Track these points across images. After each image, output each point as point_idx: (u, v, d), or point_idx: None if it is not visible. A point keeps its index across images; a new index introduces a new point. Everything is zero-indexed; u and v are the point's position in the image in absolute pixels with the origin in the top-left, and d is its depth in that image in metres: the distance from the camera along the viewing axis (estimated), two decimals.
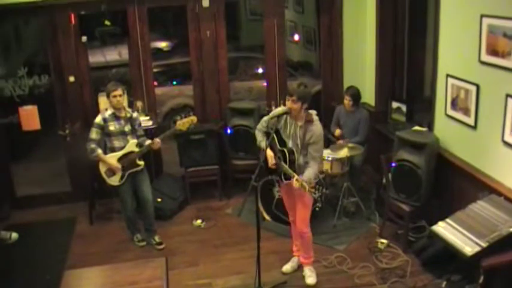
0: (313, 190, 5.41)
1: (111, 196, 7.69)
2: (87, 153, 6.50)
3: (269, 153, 5.51)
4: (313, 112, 5.60)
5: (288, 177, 5.46)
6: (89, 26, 7.71)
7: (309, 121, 5.49)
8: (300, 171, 5.46)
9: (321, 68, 9.03)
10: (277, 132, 5.59)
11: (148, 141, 6.52)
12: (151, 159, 7.49)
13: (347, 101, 7.37)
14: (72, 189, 8.23)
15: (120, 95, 6.37)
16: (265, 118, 5.74)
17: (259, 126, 5.79)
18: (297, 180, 5.24)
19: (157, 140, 6.47)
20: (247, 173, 6.12)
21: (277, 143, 5.57)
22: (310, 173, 5.40)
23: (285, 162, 5.48)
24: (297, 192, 5.60)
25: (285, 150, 5.51)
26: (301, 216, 5.78)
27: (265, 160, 5.52)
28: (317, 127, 5.50)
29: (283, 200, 6.10)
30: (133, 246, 6.93)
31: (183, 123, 6.52)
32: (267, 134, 5.59)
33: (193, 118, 6.60)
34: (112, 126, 6.41)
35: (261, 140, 5.67)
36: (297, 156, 5.51)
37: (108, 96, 6.38)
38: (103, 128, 6.41)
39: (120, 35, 7.87)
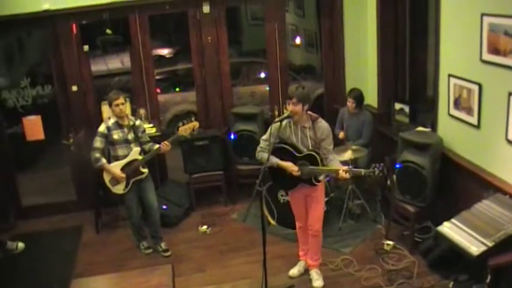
0: (364, 170, 5.35)
1: (117, 204, 7.69)
2: (91, 162, 6.51)
3: (286, 164, 5.50)
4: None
5: (316, 178, 5.53)
6: (91, 35, 7.73)
7: (314, 120, 5.51)
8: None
9: (323, 71, 9.02)
10: (285, 143, 5.59)
11: (156, 146, 6.53)
12: (155, 166, 7.50)
13: (350, 103, 7.38)
14: (78, 198, 8.25)
15: (122, 104, 6.38)
16: (264, 137, 5.68)
17: (260, 146, 5.68)
18: (345, 171, 5.27)
19: (166, 142, 6.46)
20: (251, 178, 6.12)
21: (293, 152, 5.54)
22: (337, 163, 5.46)
23: (316, 164, 5.48)
24: (315, 193, 5.68)
25: (312, 153, 5.48)
26: (316, 216, 5.81)
27: (271, 169, 5.54)
28: (323, 123, 5.54)
29: (292, 207, 6.07)
30: (139, 254, 6.94)
31: (185, 129, 6.52)
32: (277, 149, 5.54)
33: (195, 123, 6.60)
34: (116, 135, 6.42)
35: (263, 156, 5.56)
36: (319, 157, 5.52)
37: (110, 105, 6.39)
38: (107, 137, 6.42)
39: (121, 43, 7.91)
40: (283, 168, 5.54)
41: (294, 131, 5.57)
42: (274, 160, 5.52)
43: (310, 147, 5.51)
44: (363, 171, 5.28)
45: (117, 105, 6.35)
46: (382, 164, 5.15)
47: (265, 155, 5.51)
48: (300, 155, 5.52)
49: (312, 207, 5.79)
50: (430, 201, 6.21)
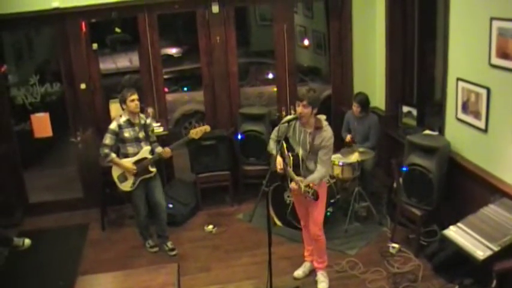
0: (311, 191, 5.37)
1: (123, 202, 7.73)
2: (100, 158, 6.55)
3: (278, 159, 5.52)
4: (323, 117, 5.60)
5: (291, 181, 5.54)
6: (100, 33, 7.77)
7: (318, 128, 5.49)
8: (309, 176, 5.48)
9: (331, 73, 9.03)
10: (286, 140, 5.61)
11: (159, 149, 6.56)
12: (162, 165, 7.51)
13: (355, 107, 7.37)
14: (84, 196, 8.28)
15: (137, 99, 6.42)
16: (277, 128, 5.75)
17: (272, 135, 5.79)
18: (295, 182, 5.31)
19: (167, 149, 6.51)
20: (258, 179, 6.13)
21: (285, 150, 5.58)
22: (314, 176, 5.43)
23: (290, 166, 5.51)
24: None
25: (290, 155, 5.55)
26: (314, 220, 5.77)
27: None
28: (327, 132, 5.49)
29: (295, 206, 6.11)
30: (145, 252, 6.96)
31: (196, 132, 6.57)
32: (279, 142, 5.60)
33: (207, 127, 6.65)
34: (127, 133, 6.44)
35: (273, 148, 5.67)
36: (306, 162, 5.52)
37: (124, 102, 6.38)
38: (117, 134, 6.43)
39: (130, 42, 7.91)
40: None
41: (298, 132, 5.59)
42: (274, 152, 5.56)
43: (308, 152, 5.53)
44: (302, 188, 5.25)
45: (133, 100, 6.37)
46: (314, 191, 5.19)
47: (271, 146, 5.68)
48: (287, 154, 5.58)
49: (311, 210, 5.78)
50: (436, 204, 6.20)
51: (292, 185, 5.37)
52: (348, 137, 7.47)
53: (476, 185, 5.88)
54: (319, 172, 5.46)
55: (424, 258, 6.27)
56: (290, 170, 5.50)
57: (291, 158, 5.53)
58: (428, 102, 7.80)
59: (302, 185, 5.24)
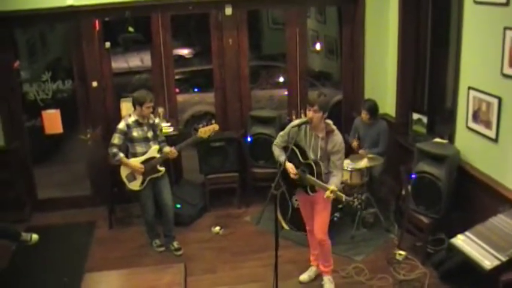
0: (350, 199, 5.40)
1: (131, 201, 7.74)
2: (109, 157, 6.57)
3: (289, 165, 5.51)
4: (330, 122, 5.60)
5: (315, 190, 5.49)
6: (113, 32, 7.80)
7: (329, 131, 5.50)
8: (323, 181, 5.46)
9: (342, 78, 9.03)
10: (296, 145, 5.58)
11: (166, 149, 6.58)
12: (171, 166, 7.53)
13: (364, 114, 7.35)
14: (92, 194, 8.31)
15: (152, 106, 6.47)
16: (282, 133, 5.74)
17: (276, 141, 5.77)
18: (332, 191, 5.25)
19: (173, 150, 6.53)
20: (266, 181, 6.14)
21: (299, 156, 5.56)
22: (336, 181, 5.42)
23: (312, 175, 5.49)
24: (319, 201, 5.62)
25: (311, 162, 5.51)
26: (319, 225, 5.77)
27: (284, 173, 5.51)
28: (338, 136, 5.51)
29: (301, 210, 6.11)
30: (152, 252, 6.97)
31: (205, 131, 6.58)
32: (285, 148, 5.59)
33: (215, 126, 6.66)
34: (135, 133, 6.47)
35: (279, 155, 5.65)
36: (322, 169, 5.51)
37: (141, 105, 6.40)
38: (126, 134, 6.46)
39: (143, 42, 7.94)
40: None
41: (309, 137, 5.59)
42: (282, 158, 5.53)
43: (319, 157, 5.52)
44: (344, 197, 5.26)
45: (149, 107, 6.41)
46: (363, 198, 5.17)
47: (277, 153, 5.65)
48: (304, 161, 5.54)
49: (316, 215, 5.78)
50: (444, 213, 6.18)
51: (328, 195, 5.26)
52: (355, 143, 7.43)
53: (485, 194, 5.86)
54: (337, 177, 5.48)
55: (431, 266, 6.26)
56: (313, 178, 5.46)
57: (313, 165, 5.48)
58: (439, 110, 7.77)
59: (340, 193, 5.23)
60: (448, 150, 6.30)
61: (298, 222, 6.72)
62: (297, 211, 6.49)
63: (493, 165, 5.84)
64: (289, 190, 6.14)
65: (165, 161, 6.71)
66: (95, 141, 7.87)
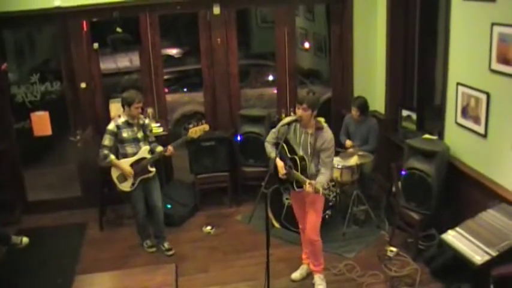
0: (326, 192, 5.40)
1: (121, 202, 7.71)
2: (99, 159, 6.55)
3: (279, 163, 5.51)
4: (322, 120, 5.61)
5: (300, 185, 5.47)
6: (101, 33, 7.77)
7: (319, 128, 5.50)
8: (312, 179, 5.44)
9: (331, 76, 9.04)
10: (286, 142, 5.59)
11: (159, 148, 6.57)
12: (161, 166, 7.52)
13: (354, 111, 7.37)
14: (83, 195, 8.28)
15: (141, 107, 6.44)
16: (274, 130, 5.75)
17: (268, 138, 5.78)
18: (309, 184, 5.24)
19: (170, 147, 6.51)
20: (257, 180, 6.12)
21: (287, 152, 5.58)
22: (322, 178, 5.41)
23: (296, 169, 5.49)
24: (309, 200, 5.62)
25: (296, 157, 5.51)
26: (311, 224, 5.77)
27: (276, 169, 5.52)
28: (328, 133, 5.51)
29: (293, 209, 6.11)
30: (143, 252, 6.96)
31: (195, 131, 6.58)
32: (277, 145, 5.60)
33: (206, 126, 6.66)
34: (125, 133, 6.45)
35: (271, 151, 5.64)
36: (308, 164, 5.51)
37: (129, 105, 6.38)
38: (116, 135, 6.44)
39: (131, 42, 7.91)
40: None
41: (299, 134, 5.59)
42: (273, 154, 5.53)
43: (309, 154, 5.52)
44: (321, 190, 5.22)
45: (137, 107, 6.41)
46: (338, 191, 5.15)
47: (269, 149, 5.65)
48: (290, 156, 5.56)
49: (308, 214, 5.77)
50: (435, 209, 6.21)
51: (308, 188, 5.26)
52: (348, 143, 7.45)
53: (475, 189, 5.89)
54: (325, 175, 5.46)
55: (422, 262, 6.27)
56: (297, 172, 5.47)
57: (298, 160, 5.50)
58: (428, 107, 7.79)
59: (318, 186, 5.21)
60: (437, 147, 6.32)
61: (292, 221, 6.71)
62: (291, 209, 6.48)
63: (482, 161, 5.87)
64: (280, 187, 6.14)
65: (156, 162, 6.70)
66: (84, 143, 7.84)
